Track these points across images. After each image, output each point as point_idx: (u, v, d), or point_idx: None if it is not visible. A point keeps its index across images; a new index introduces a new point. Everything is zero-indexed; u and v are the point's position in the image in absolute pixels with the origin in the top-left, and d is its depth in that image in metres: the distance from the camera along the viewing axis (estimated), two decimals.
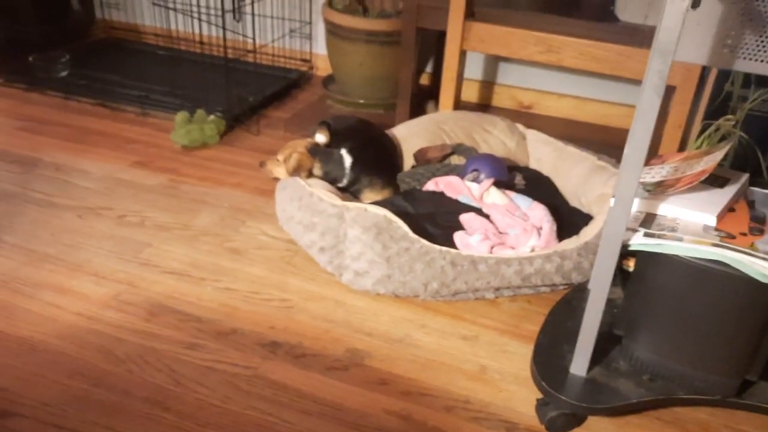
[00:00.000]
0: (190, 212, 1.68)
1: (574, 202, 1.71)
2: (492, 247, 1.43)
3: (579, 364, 1.13)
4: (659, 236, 1.03)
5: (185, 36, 2.59)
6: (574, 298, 1.34)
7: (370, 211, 1.40)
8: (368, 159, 1.69)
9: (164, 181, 1.82)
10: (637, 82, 2.26)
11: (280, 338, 1.29)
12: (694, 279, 1.03)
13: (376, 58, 2.25)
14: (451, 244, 1.47)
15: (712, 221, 1.05)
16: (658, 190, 1.11)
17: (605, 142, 2.18)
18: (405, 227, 1.38)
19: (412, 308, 1.40)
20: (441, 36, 2.38)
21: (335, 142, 1.69)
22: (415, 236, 1.38)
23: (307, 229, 1.46)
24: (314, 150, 1.65)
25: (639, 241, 1.03)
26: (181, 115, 2.02)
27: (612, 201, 1.10)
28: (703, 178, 1.05)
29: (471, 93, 2.48)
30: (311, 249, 1.47)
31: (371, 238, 1.37)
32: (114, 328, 1.29)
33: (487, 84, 2.48)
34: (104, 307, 1.34)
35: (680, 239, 1.01)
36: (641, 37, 1.76)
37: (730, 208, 1.10)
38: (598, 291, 1.04)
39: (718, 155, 1.10)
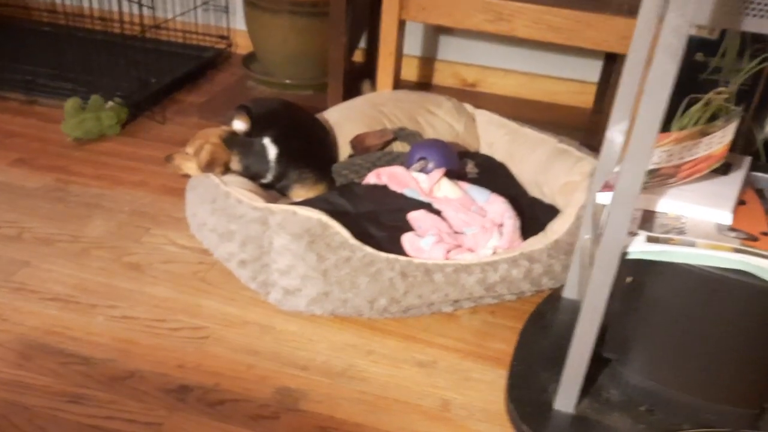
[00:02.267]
0: (79, 220, 1.38)
1: (534, 192, 1.50)
2: (448, 251, 1.20)
3: (565, 399, 0.92)
4: (665, 241, 0.82)
5: (79, 11, 2.25)
6: (548, 310, 1.13)
7: (300, 214, 1.14)
8: (297, 149, 1.43)
9: (49, 182, 1.50)
10: (593, 54, 2.07)
11: (191, 380, 1.02)
12: (707, 291, 0.83)
13: (302, 32, 1.98)
14: (398, 249, 1.24)
15: (727, 219, 0.85)
16: (654, 181, 0.90)
17: (555, 122, 1.99)
18: (344, 232, 1.14)
19: (356, 329, 1.15)
20: (375, 4, 2.12)
21: (256, 129, 1.42)
22: (357, 243, 1.13)
23: (224, 239, 1.19)
24: (231, 140, 1.38)
25: (641, 248, 0.82)
26: (71, 102, 1.69)
27: (598, 196, 0.88)
28: (714, 166, 0.85)
29: (409, 70, 2.24)
30: (230, 262, 1.21)
31: (303, 247, 1.12)
32: None
33: (427, 60, 2.25)
34: None
35: (692, 244, 0.81)
36: (603, 2, 1.56)
37: (740, 201, 0.91)
38: (592, 315, 0.83)
39: (723, 137, 0.90)
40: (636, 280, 0.87)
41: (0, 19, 2.41)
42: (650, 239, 0.82)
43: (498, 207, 1.33)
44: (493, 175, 1.56)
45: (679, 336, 0.88)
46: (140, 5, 1.75)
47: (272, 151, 1.38)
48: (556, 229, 1.25)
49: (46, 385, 0.99)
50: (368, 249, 1.13)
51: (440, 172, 1.37)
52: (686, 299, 0.85)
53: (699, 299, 0.84)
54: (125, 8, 1.80)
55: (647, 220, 0.87)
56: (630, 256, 0.82)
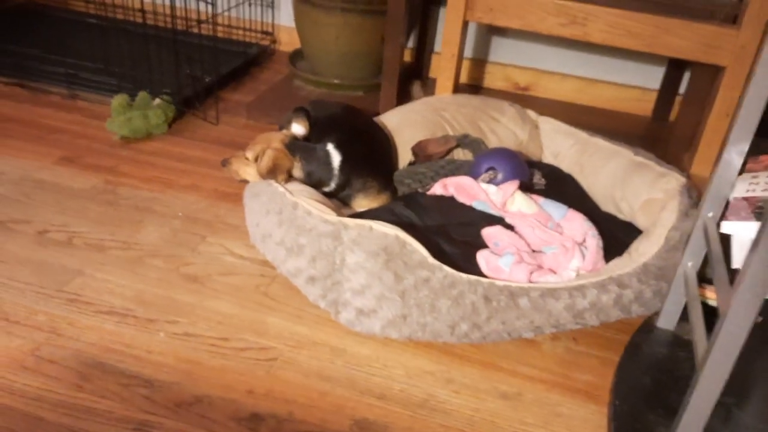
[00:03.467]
0: (132, 225, 1.31)
1: (608, 207, 1.42)
2: (530, 273, 1.12)
3: None
4: None
5: (122, 2, 2.18)
6: (643, 341, 1.05)
7: (376, 230, 1.06)
8: (360, 156, 1.35)
9: (98, 184, 1.44)
10: (655, 60, 1.97)
11: (262, 408, 0.95)
12: None
13: (355, 30, 1.90)
14: (473, 267, 1.16)
15: None
16: None
17: (612, 129, 1.89)
18: (423, 250, 1.06)
19: (433, 355, 1.08)
20: (427, 3, 2.05)
21: (316, 134, 1.35)
22: (436, 262, 1.05)
23: (292, 253, 1.12)
24: (294, 145, 1.30)
25: None
26: (119, 99, 1.63)
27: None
28: None
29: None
30: (297, 278, 1.13)
31: (379, 266, 1.04)
32: (30, 400, 0.93)
33: (478, 62, 2.16)
34: (16, 368, 0.97)
35: None
36: (686, 7, 1.47)
37: None
38: (723, 361, 0.74)
39: None
40: (766, 320, 0.79)
41: (42, 9, 2.36)
42: None
43: (577, 224, 1.25)
44: (561, 188, 1.47)
45: None
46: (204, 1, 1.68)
47: (336, 158, 1.31)
48: (643, 251, 1.17)
49: (108, 410, 0.92)
50: (448, 269, 1.05)
51: (514, 184, 1.29)
52: None
53: None
54: (179, 2, 1.72)
55: None
56: None
